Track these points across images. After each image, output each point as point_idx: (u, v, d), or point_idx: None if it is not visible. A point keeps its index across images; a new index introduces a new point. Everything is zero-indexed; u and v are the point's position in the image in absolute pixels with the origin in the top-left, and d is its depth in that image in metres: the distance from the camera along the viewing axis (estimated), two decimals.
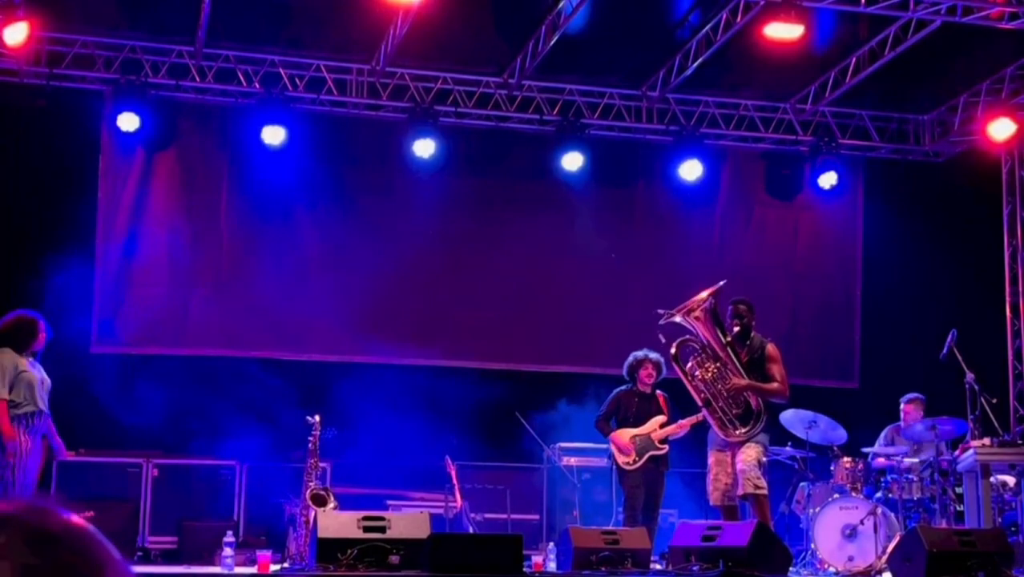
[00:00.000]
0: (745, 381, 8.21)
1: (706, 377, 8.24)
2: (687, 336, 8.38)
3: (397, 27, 10.46)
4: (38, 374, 7.78)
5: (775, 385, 8.25)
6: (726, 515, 8.27)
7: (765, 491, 8.14)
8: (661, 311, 8.41)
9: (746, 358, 8.31)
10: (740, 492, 8.10)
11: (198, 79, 11.13)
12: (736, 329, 8.36)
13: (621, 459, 9.55)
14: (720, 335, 8.29)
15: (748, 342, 8.38)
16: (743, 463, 8.08)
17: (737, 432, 8.16)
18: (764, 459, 8.24)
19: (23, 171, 10.77)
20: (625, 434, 9.57)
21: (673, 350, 8.38)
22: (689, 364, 8.35)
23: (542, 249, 12.16)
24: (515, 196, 12.17)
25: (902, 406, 10.20)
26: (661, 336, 8.50)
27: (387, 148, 11.59)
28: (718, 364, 8.26)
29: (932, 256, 12.37)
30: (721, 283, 8.43)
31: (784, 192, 12.79)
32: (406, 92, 11.58)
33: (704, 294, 8.41)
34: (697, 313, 8.26)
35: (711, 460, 8.35)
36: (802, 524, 9.51)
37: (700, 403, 8.32)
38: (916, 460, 9.49)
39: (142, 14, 10.65)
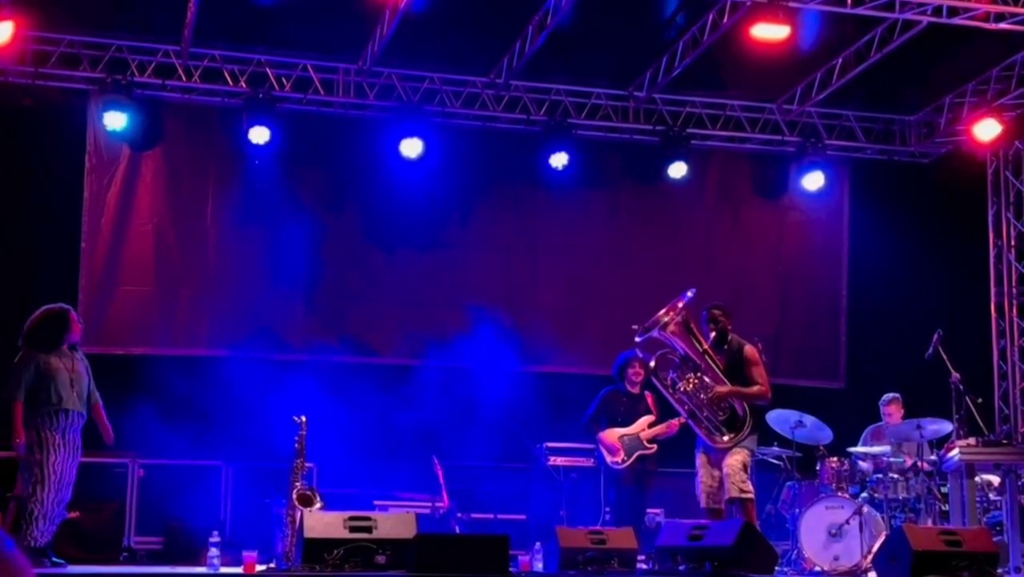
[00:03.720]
0: (727, 388, 8.21)
1: (688, 389, 8.24)
2: (666, 349, 8.36)
3: (384, 27, 10.46)
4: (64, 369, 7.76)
5: (756, 388, 8.25)
6: (711, 518, 8.29)
7: (751, 495, 8.15)
8: (636, 327, 8.37)
9: (724, 363, 8.31)
10: (726, 497, 8.12)
11: (184, 79, 11.11)
12: (713, 335, 8.35)
13: (610, 459, 9.57)
14: (697, 344, 8.27)
15: (726, 347, 8.38)
16: (728, 468, 8.09)
17: (725, 439, 8.16)
18: (751, 462, 8.25)
19: (8, 170, 10.73)
20: (613, 434, 9.60)
21: (652, 364, 8.39)
22: (670, 377, 8.35)
23: (529, 249, 12.18)
24: (502, 196, 12.18)
25: (883, 408, 10.23)
26: (638, 352, 8.49)
27: (374, 148, 11.58)
28: (698, 374, 8.25)
29: (918, 256, 12.41)
30: (689, 292, 8.37)
31: (770, 192, 12.81)
32: (393, 92, 11.58)
33: (673, 307, 8.37)
34: (672, 327, 8.21)
35: (698, 461, 8.36)
36: (788, 524, 9.54)
37: (685, 415, 8.34)
38: (900, 460, 9.53)
39: (128, 14, 10.62)
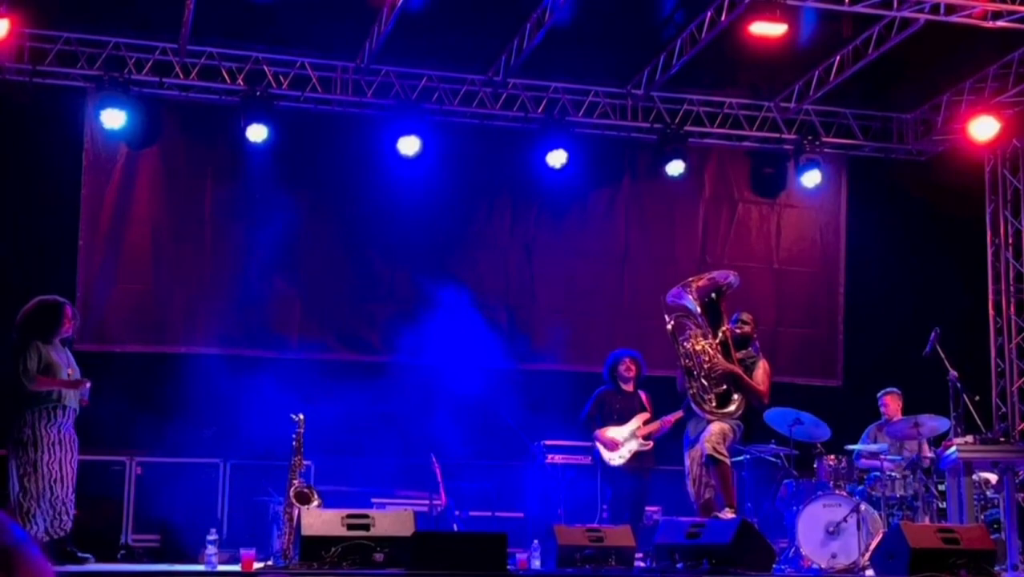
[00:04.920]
0: (730, 365, 8.46)
1: (695, 348, 8.45)
2: (685, 313, 8.55)
3: (382, 25, 10.45)
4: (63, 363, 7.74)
5: (757, 384, 8.46)
6: (703, 512, 8.36)
7: (726, 460, 8.40)
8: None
9: (738, 361, 8.49)
10: (703, 459, 8.35)
11: (182, 76, 11.10)
12: (738, 331, 8.65)
13: (607, 456, 9.58)
14: (714, 317, 8.49)
15: (744, 350, 8.63)
16: (709, 431, 8.38)
17: (712, 407, 8.34)
18: (731, 436, 8.47)
19: (5, 169, 10.72)
20: (611, 431, 9.61)
21: (670, 326, 8.57)
22: (683, 336, 8.57)
23: (526, 247, 12.17)
24: (499, 193, 12.18)
25: (881, 399, 10.27)
26: (667, 316, 8.66)
27: (372, 146, 11.57)
28: (709, 342, 8.47)
29: (915, 254, 12.42)
30: (731, 275, 8.69)
31: (768, 190, 12.81)
32: (391, 90, 11.57)
33: (705, 275, 8.73)
34: (700, 283, 8.50)
35: (687, 461, 8.58)
36: (785, 521, 9.54)
37: (683, 371, 8.52)
38: (899, 458, 9.53)
39: (126, 11, 10.61)
